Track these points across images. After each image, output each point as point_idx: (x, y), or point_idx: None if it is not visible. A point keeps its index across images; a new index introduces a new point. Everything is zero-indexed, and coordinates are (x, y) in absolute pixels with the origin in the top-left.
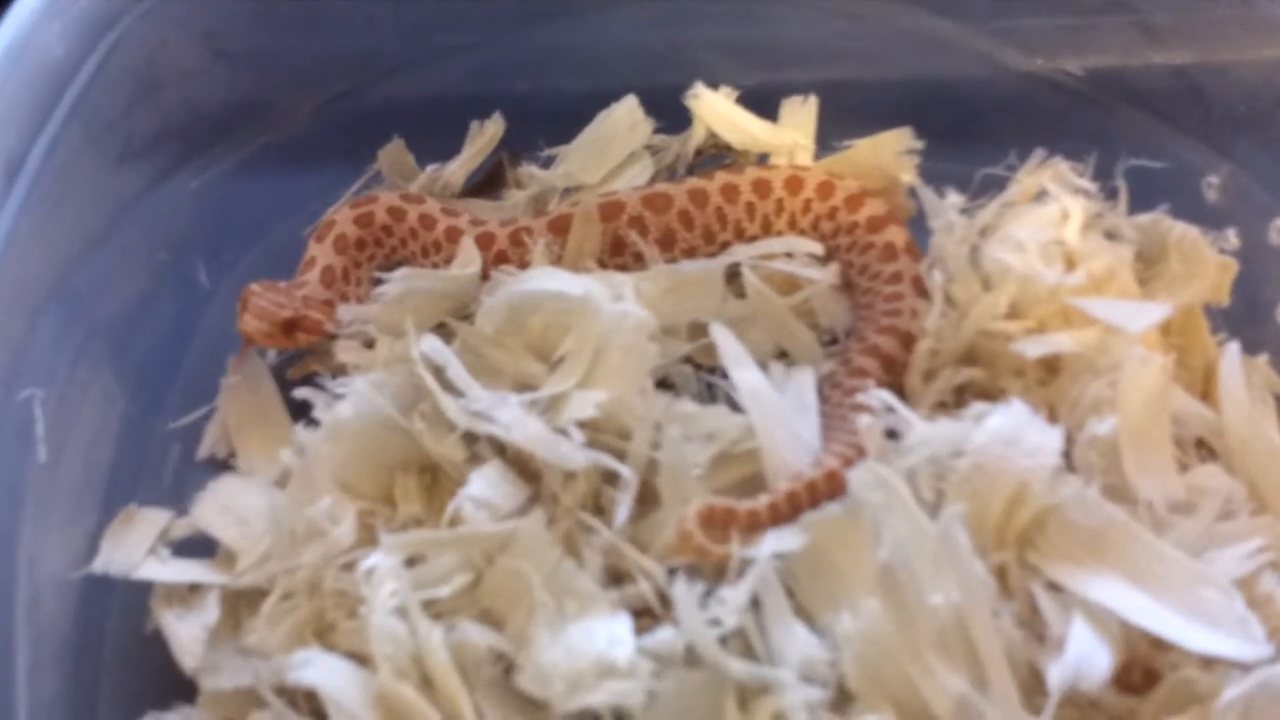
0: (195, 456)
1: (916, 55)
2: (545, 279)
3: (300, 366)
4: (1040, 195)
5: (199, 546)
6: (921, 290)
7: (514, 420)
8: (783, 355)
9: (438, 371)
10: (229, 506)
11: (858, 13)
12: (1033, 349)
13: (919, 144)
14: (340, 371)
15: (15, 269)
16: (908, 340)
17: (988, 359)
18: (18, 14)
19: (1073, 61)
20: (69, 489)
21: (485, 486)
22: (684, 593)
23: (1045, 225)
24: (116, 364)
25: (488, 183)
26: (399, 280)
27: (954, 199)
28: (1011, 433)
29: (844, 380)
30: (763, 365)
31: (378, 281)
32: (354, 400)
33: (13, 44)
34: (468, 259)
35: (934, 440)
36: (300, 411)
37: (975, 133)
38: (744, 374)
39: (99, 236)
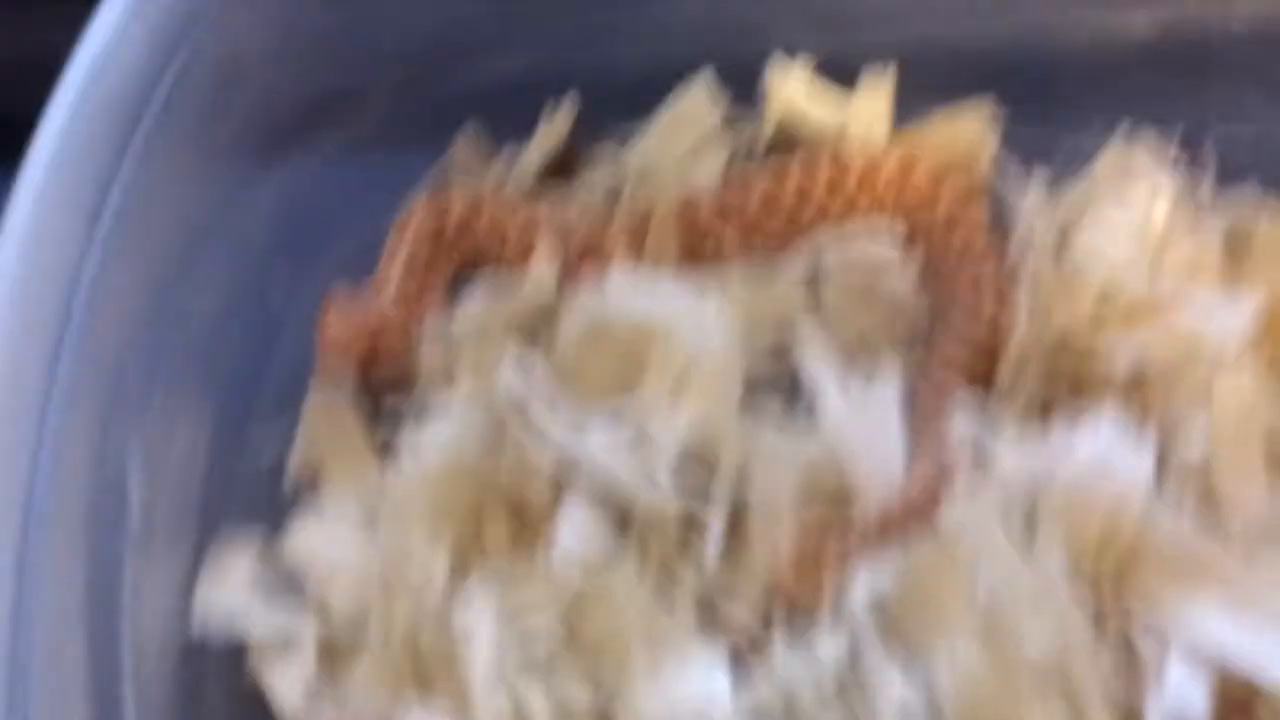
0: (282, 486)
1: (994, 18)
2: (625, 296)
3: (379, 381)
4: (1126, 174)
5: (293, 585)
6: (1002, 283)
7: (601, 461)
8: (863, 361)
9: (520, 406)
10: (319, 546)
11: None
12: (1120, 355)
13: (999, 115)
14: (421, 389)
15: (108, 305)
16: (992, 330)
17: (1073, 362)
18: (94, 38)
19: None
20: (163, 538)
21: (575, 533)
22: (781, 643)
23: (1132, 214)
24: (201, 394)
25: (561, 166)
26: (478, 300)
27: (1038, 180)
28: (1102, 457)
29: (926, 391)
30: (843, 373)
31: (455, 281)
32: (439, 442)
33: (91, 72)
34: (545, 266)
35: (1025, 468)
36: (385, 427)
37: (1054, 98)
38: (828, 392)
39: (181, 263)
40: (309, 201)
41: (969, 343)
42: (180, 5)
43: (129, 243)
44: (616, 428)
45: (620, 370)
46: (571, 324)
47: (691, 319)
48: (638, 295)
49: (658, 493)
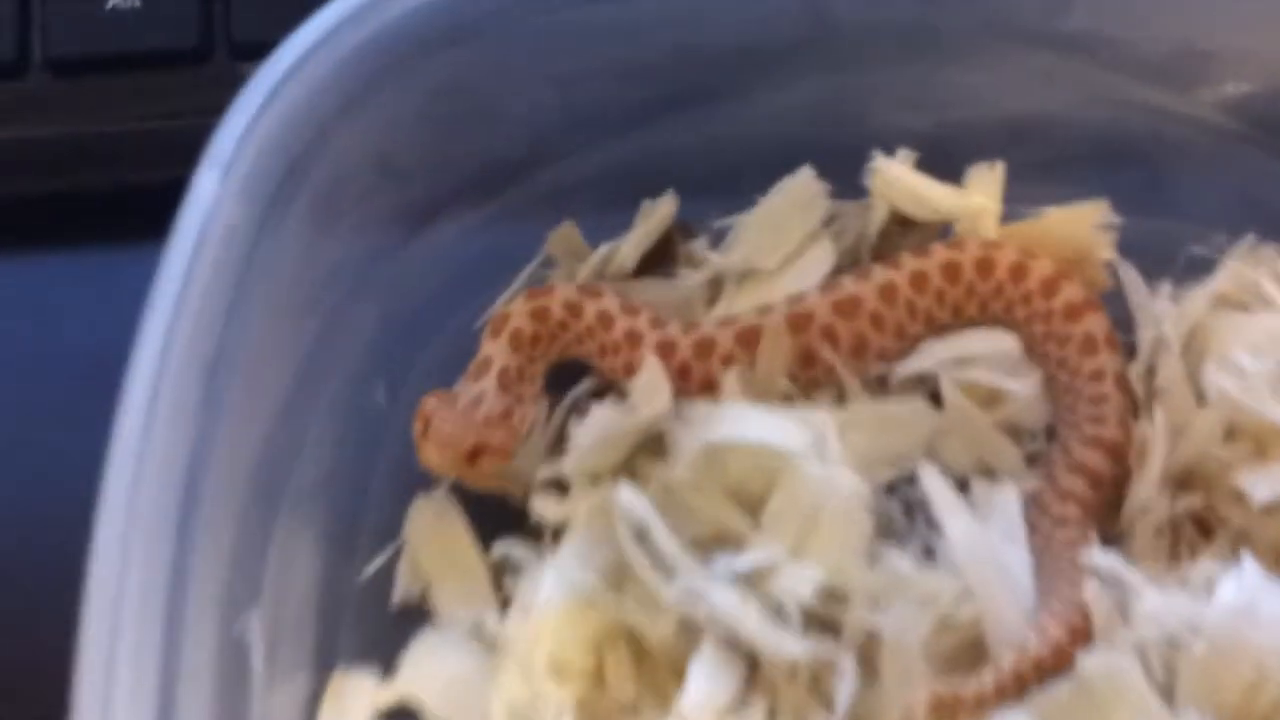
0: (391, 606)
1: (1107, 112)
2: (742, 423)
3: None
4: (1253, 288)
5: (412, 714)
6: (1125, 387)
7: (730, 605)
8: (985, 482)
9: (641, 534)
10: (435, 671)
11: (1039, 66)
12: (1260, 490)
13: (1117, 219)
14: (524, 490)
15: (225, 465)
16: (1115, 452)
17: (1204, 481)
18: (195, 193)
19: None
20: (284, 676)
21: (705, 679)
22: None
23: (1262, 333)
24: (314, 521)
25: (658, 255)
26: (591, 428)
27: (1165, 295)
28: (1247, 606)
29: (1052, 505)
30: (963, 483)
31: (551, 383)
32: (560, 580)
33: (197, 222)
34: (653, 379)
35: (1163, 614)
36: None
37: (1167, 194)
38: (958, 528)
39: (289, 397)
40: (402, 306)
41: (1095, 443)
42: (298, 114)
43: (243, 380)
44: (740, 566)
45: (736, 489)
46: (686, 449)
47: (813, 450)
48: (754, 423)
49: (787, 645)
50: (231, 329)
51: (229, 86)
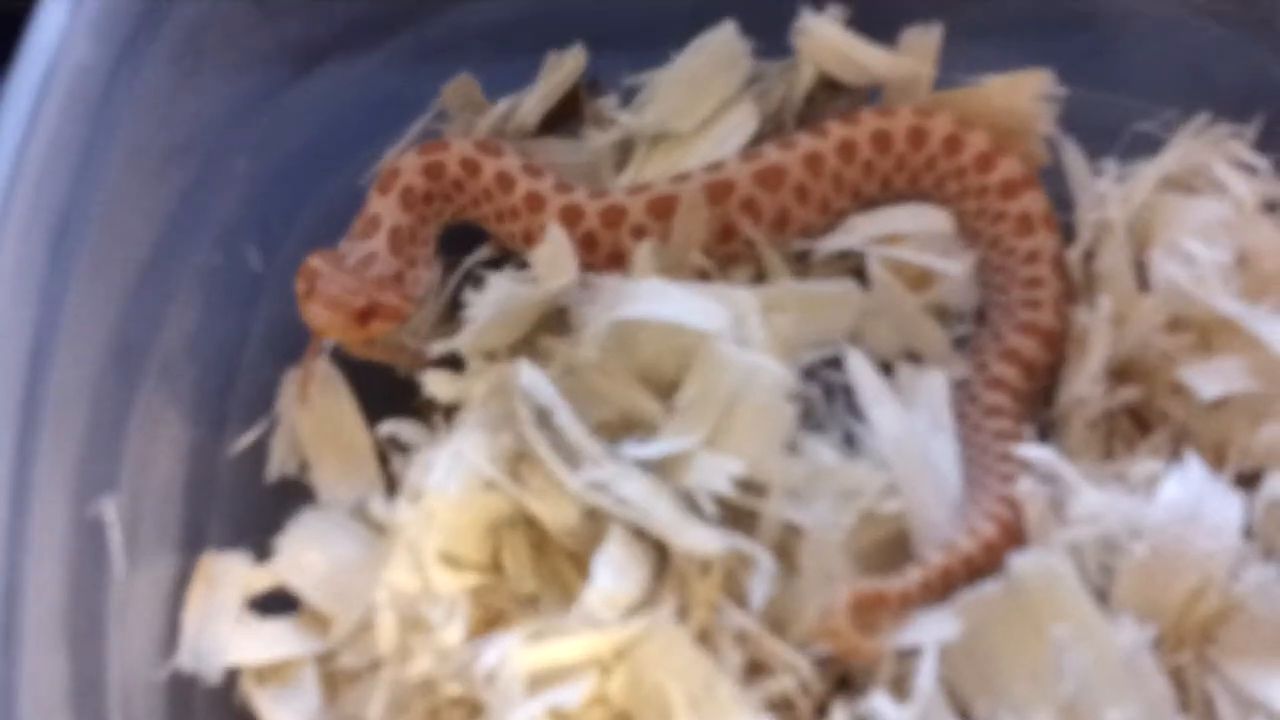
0: (264, 479)
1: None
2: (657, 300)
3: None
4: (1201, 170)
5: (286, 601)
6: (1062, 271)
7: (640, 496)
8: (910, 353)
9: (543, 417)
10: (315, 555)
11: None
12: (1205, 386)
13: (1061, 90)
14: (414, 361)
15: (76, 332)
16: (1050, 339)
17: (1144, 373)
18: (40, 28)
19: None
20: (148, 555)
21: (610, 574)
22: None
23: (1210, 217)
24: (180, 397)
25: (563, 113)
26: (489, 302)
27: (1109, 175)
28: (1190, 508)
29: (981, 393)
30: (889, 368)
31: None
32: (454, 464)
33: (42, 61)
34: (556, 248)
35: (1105, 516)
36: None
37: (1114, 64)
38: (884, 417)
39: (152, 257)
40: (286, 149)
41: (1029, 329)
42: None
43: (98, 239)
44: (649, 454)
45: (647, 370)
46: (592, 327)
47: (731, 331)
48: (668, 300)
49: (701, 540)
50: (84, 182)
51: None
